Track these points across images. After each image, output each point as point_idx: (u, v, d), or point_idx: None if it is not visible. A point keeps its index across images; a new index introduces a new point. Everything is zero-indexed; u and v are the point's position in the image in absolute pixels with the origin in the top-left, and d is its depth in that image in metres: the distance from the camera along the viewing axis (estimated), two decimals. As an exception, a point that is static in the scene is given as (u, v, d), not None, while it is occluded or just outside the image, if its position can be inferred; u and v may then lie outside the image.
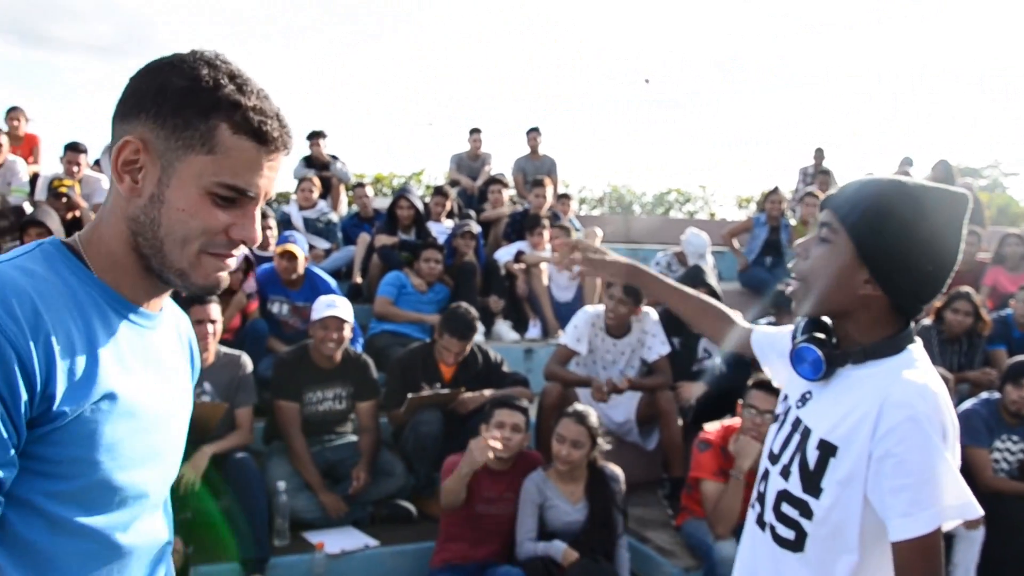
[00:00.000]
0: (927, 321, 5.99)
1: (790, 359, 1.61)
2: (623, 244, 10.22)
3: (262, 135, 1.11)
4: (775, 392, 3.87)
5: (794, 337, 1.67)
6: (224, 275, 1.19)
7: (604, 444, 3.95)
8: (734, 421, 4.11)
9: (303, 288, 5.74)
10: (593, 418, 3.91)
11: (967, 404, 4.66)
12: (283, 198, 10.33)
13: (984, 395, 4.75)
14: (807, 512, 1.57)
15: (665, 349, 5.06)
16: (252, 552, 3.97)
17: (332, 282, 5.93)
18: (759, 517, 1.70)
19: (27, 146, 8.35)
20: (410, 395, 4.60)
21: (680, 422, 4.94)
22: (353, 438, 4.78)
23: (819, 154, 11.75)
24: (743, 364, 5.22)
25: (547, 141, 10.11)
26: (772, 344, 1.89)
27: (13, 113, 8.30)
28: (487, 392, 4.72)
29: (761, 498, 1.70)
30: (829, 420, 1.56)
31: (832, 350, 1.57)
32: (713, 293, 5.28)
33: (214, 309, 4.28)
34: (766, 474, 1.70)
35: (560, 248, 2.22)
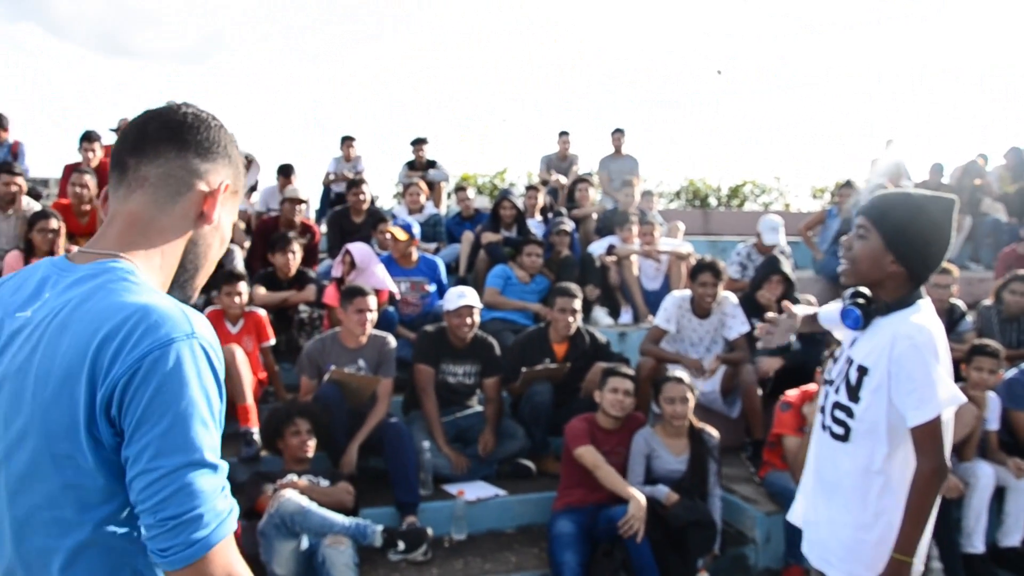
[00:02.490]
0: (987, 302, 6.59)
1: (840, 316, 2.47)
2: (702, 236, 10.89)
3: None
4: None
5: (844, 301, 2.50)
6: None
7: (697, 394, 4.82)
8: (810, 387, 4.82)
9: (419, 266, 6.77)
10: (687, 377, 4.74)
11: (1011, 373, 5.29)
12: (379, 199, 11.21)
13: (1025, 364, 5.40)
14: (851, 413, 2.43)
15: (744, 328, 5.79)
16: (406, 497, 4.83)
17: (439, 262, 7.00)
18: (822, 423, 2.56)
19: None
20: (524, 369, 5.43)
21: (760, 392, 5.65)
22: (479, 408, 5.62)
23: (890, 146, 12.23)
24: (814, 341, 5.94)
25: (631, 140, 10.81)
26: (831, 317, 2.74)
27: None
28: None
29: (823, 410, 2.57)
30: (864, 352, 2.41)
31: (868, 308, 2.41)
32: (787, 280, 6.00)
33: (372, 301, 5.17)
34: (826, 394, 2.56)
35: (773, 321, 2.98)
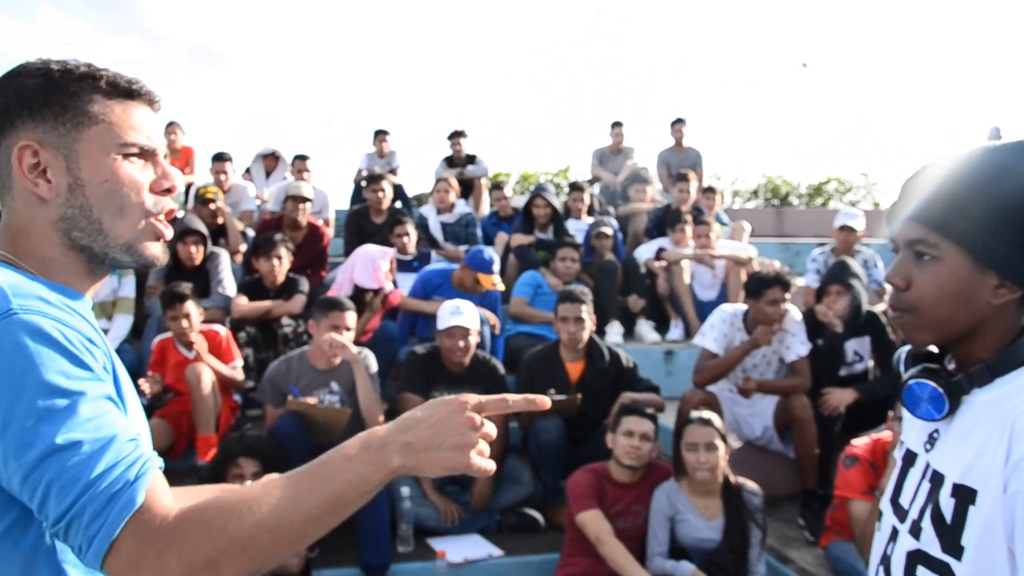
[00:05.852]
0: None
1: (902, 401, 1.32)
2: (775, 238, 9.75)
3: (134, 92, 1.18)
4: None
5: (896, 369, 1.38)
6: (163, 247, 1.23)
7: (732, 444, 3.71)
8: (883, 434, 3.73)
9: (477, 297, 5.65)
10: (717, 421, 3.69)
11: None
12: (420, 200, 10.41)
13: None
14: (948, 574, 1.25)
15: (804, 350, 4.68)
16: (373, 559, 3.93)
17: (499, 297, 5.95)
18: None
19: (183, 158, 8.73)
20: None
21: (816, 431, 4.55)
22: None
23: (994, 134, 10.85)
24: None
25: (694, 132, 9.77)
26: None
27: (170, 127, 8.68)
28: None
29: (886, 562, 1.37)
30: (962, 459, 1.24)
31: (950, 378, 1.28)
32: (851, 289, 4.87)
33: (349, 317, 4.30)
34: (894, 533, 1.37)
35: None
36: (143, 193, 1.17)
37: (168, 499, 0.99)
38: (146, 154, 1.18)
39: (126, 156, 1.16)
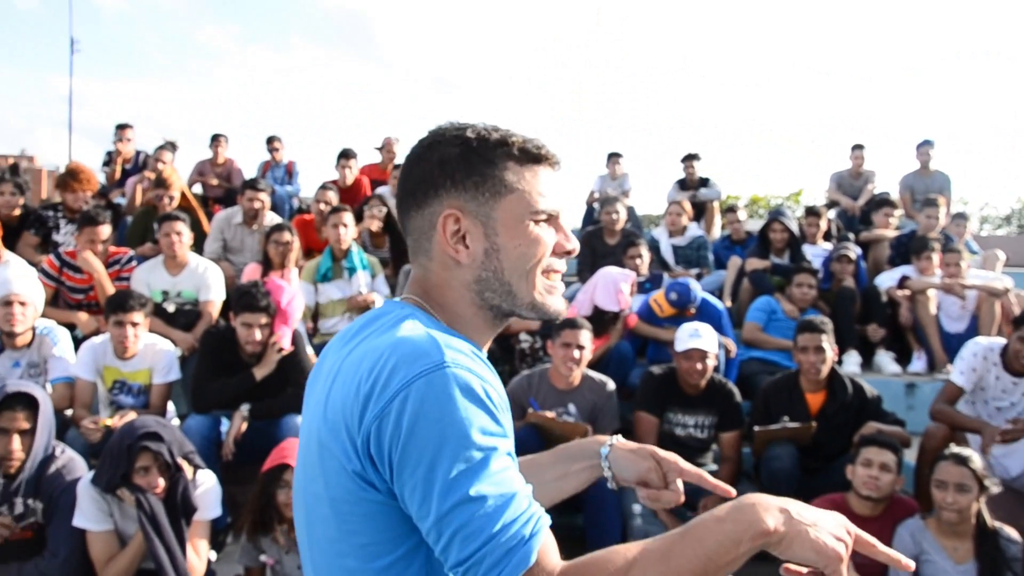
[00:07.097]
0: None
1: None
2: (1033, 269, 9.04)
3: (542, 157, 1.26)
4: None
5: None
6: (563, 301, 1.31)
7: (993, 488, 3.51)
8: None
9: (696, 316, 5.69)
10: (976, 461, 3.50)
11: None
12: (652, 222, 10.48)
13: None
14: None
15: (1075, 389, 4.37)
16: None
17: (721, 306, 5.95)
18: None
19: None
20: (756, 428, 4.46)
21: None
22: (713, 467, 4.70)
23: None
24: None
25: (940, 154, 9.25)
26: None
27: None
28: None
29: None
30: None
31: None
32: None
33: (583, 335, 4.46)
34: None
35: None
36: (548, 256, 1.25)
37: (556, 556, 1.06)
38: (551, 218, 1.27)
39: (536, 222, 1.24)
